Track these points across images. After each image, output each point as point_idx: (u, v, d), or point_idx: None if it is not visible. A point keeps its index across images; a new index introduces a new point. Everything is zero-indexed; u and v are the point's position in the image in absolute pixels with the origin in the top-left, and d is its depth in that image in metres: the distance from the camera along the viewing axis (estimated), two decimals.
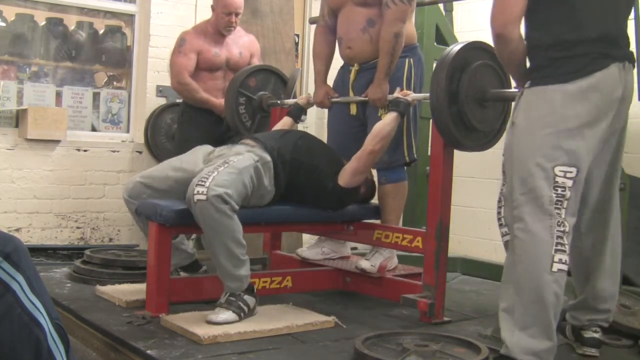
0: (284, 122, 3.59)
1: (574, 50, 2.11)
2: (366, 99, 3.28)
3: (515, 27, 2.11)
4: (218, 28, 4.07)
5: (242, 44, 4.17)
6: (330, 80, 3.60)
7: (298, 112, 3.63)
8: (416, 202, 4.27)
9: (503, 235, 2.34)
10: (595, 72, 2.11)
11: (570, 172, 2.10)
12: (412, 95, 3.15)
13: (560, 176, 2.09)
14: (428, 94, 2.83)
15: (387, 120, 3.09)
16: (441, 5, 4.51)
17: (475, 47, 2.74)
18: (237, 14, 4.04)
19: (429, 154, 3.29)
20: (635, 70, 3.41)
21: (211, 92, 4.06)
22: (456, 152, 2.92)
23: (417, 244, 3.04)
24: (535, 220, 2.09)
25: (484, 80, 2.70)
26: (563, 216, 2.09)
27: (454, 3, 4.66)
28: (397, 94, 3.16)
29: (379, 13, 3.25)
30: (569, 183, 2.10)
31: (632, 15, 3.47)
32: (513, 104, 2.68)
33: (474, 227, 4.80)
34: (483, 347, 2.27)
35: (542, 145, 2.11)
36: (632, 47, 3.45)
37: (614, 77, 2.14)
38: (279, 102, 3.82)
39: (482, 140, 2.84)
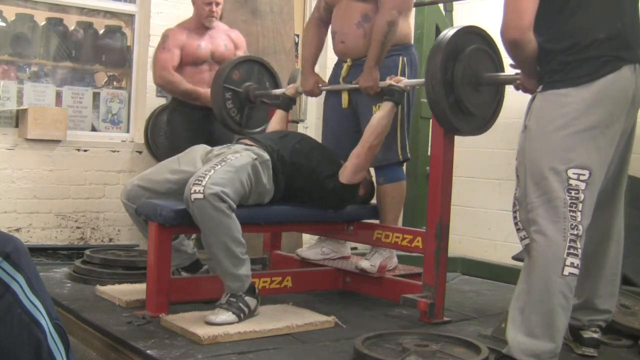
0: (278, 117, 3.58)
1: (586, 53, 2.13)
2: (357, 86, 3.25)
3: (530, 30, 2.14)
4: (200, 21, 4.04)
5: (226, 37, 4.14)
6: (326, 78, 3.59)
7: (287, 103, 3.61)
8: (416, 202, 4.27)
9: (521, 239, 2.32)
10: (607, 74, 2.12)
11: (583, 174, 2.11)
12: (404, 82, 3.10)
13: (573, 179, 2.11)
14: (422, 80, 2.82)
15: (383, 113, 3.07)
16: (441, 5, 4.52)
17: (467, 32, 2.73)
18: (217, 4, 4.01)
19: (429, 154, 3.29)
20: None
21: (198, 86, 4.01)
22: (456, 152, 2.92)
23: (417, 244, 3.04)
24: (548, 223, 2.11)
25: (478, 65, 2.69)
26: (578, 219, 2.11)
27: (454, 3, 4.66)
28: (389, 81, 3.11)
29: (375, 9, 3.23)
30: (582, 186, 2.11)
31: None
32: (507, 90, 2.71)
33: (474, 227, 4.80)
34: (483, 347, 2.27)
35: (555, 148, 2.13)
36: None
37: (625, 79, 2.16)
38: (265, 92, 3.80)
39: (478, 124, 2.84)
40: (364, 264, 3.24)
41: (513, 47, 2.16)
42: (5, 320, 1.59)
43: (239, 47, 4.18)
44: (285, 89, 3.65)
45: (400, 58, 3.28)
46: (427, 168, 3.55)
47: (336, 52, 3.46)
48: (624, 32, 2.19)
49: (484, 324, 2.89)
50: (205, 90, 3.96)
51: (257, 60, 3.96)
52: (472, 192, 4.78)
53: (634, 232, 3.51)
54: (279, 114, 3.60)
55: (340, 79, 3.40)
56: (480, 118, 2.82)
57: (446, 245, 2.89)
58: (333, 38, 3.44)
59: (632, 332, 2.70)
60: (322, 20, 3.53)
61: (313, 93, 3.54)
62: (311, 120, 5.46)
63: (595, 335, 2.45)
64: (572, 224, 2.10)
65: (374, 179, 3.40)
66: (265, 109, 3.88)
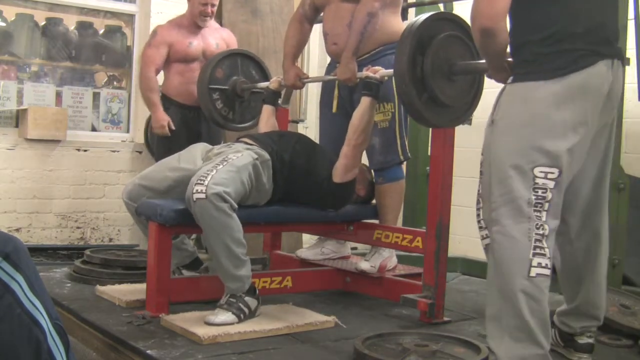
0: (266, 112, 3.55)
1: (561, 46, 2.03)
2: (335, 77, 3.23)
3: (504, 19, 2.03)
4: (193, 19, 4.03)
5: (218, 36, 4.13)
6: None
7: (273, 97, 3.58)
8: (416, 202, 4.27)
9: (482, 238, 2.24)
10: (582, 69, 2.02)
11: (552, 172, 2.01)
12: (381, 72, 3.01)
13: (540, 177, 2.01)
14: None
15: (364, 109, 3.01)
16: (441, 5, 4.51)
17: (435, 20, 2.56)
18: (213, 5, 4.02)
19: (429, 154, 3.29)
20: (635, 71, 3.42)
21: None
22: (456, 152, 2.92)
23: (417, 244, 3.04)
24: (512, 223, 2.01)
25: (449, 54, 2.51)
26: (543, 219, 2.01)
27: (454, 3, 4.66)
28: (366, 72, 3.04)
29: None
30: (551, 184, 2.01)
31: (631, 15, 3.47)
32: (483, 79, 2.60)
33: (474, 227, 4.78)
34: (483, 347, 2.27)
35: (521, 146, 2.03)
36: (632, 47, 3.48)
37: (600, 75, 2.06)
38: (251, 85, 3.79)
39: (457, 114, 2.67)
40: (364, 265, 3.23)
41: (484, 35, 2.04)
42: (5, 320, 1.59)
43: (230, 46, 4.16)
44: (269, 83, 3.62)
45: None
46: (427, 168, 3.55)
47: (329, 53, 3.44)
48: (603, 25, 2.09)
49: (484, 324, 2.87)
50: (161, 115, 3.95)
51: (239, 53, 3.92)
52: (472, 192, 4.76)
53: (634, 232, 3.52)
54: (267, 110, 3.56)
55: (336, 82, 3.38)
56: (458, 108, 2.65)
57: (446, 245, 2.89)
58: (325, 40, 3.42)
59: (632, 332, 2.69)
60: (307, 17, 3.52)
61: (295, 86, 3.51)
62: (311, 120, 5.46)
63: (591, 341, 2.38)
64: (537, 224, 2.00)
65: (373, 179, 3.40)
66: (259, 100, 3.84)
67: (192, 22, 4.04)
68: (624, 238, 3.38)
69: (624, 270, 3.41)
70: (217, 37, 4.12)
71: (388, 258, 3.33)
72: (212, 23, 4.14)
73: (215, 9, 4.06)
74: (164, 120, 3.96)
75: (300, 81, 3.47)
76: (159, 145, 4.04)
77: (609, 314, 2.74)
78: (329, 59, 3.56)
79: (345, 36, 3.24)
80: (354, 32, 3.15)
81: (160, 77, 4.15)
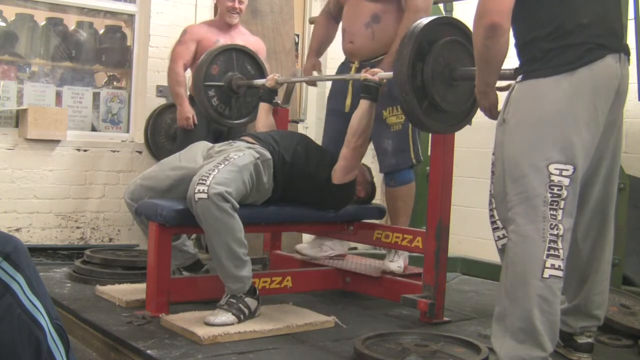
0: (263, 110, 3.53)
1: (568, 40, 2.01)
2: (345, 77, 3.29)
3: (510, 18, 2.01)
4: (223, 18, 4.14)
5: (246, 40, 4.16)
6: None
7: (269, 95, 3.57)
8: (416, 202, 4.26)
9: (498, 238, 2.22)
10: (590, 63, 2.01)
11: (567, 169, 1.99)
12: (380, 74, 2.98)
13: (555, 174, 1.99)
14: None
15: (362, 112, 2.99)
16: (441, 5, 4.51)
17: (435, 25, 2.53)
18: (240, 1, 4.10)
19: (429, 154, 3.29)
20: (635, 70, 3.42)
21: None
22: (456, 152, 2.92)
23: (417, 244, 3.04)
24: (527, 223, 2.00)
25: (449, 58, 2.50)
26: (559, 218, 1.99)
27: (454, 3, 4.66)
28: (364, 74, 3.00)
29: (385, 9, 3.22)
30: (566, 182, 1.99)
31: (631, 15, 3.47)
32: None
33: (474, 227, 4.80)
34: (483, 347, 2.27)
35: (535, 143, 2.01)
36: (632, 47, 3.47)
37: (610, 69, 2.05)
38: (247, 82, 3.79)
39: (457, 119, 2.68)
40: (392, 266, 3.24)
41: (491, 33, 1.99)
42: (5, 320, 1.59)
43: (259, 53, 4.16)
44: (265, 81, 3.60)
45: None
46: (427, 168, 3.55)
47: (345, 50, 3.43)
48: (608, 18, 2.08)
49: (484, 324, 2.89)
50: (187, 107, 4.04)
51: (233, 48, 3.90)
52: (472, 192, 4.77)
53: (634, 232, 3.52)
54: (263, 107, 3.55)
55: (350, 84, 3.36)
56: (459, 113, 2.65)
57: (446, 245, 2.89)
58: (343, 36, 3.43)
59: (632, 332, 2.70)
60: (331, 14, 3.54)
61: (312, 69, 3.57)
62: (311, 120, 5.46)
63: (591, 340, 2.38)
64: (552, 224, 1.98)
65: (382, 181, 3.39)
66: (256, 94, 3.83)
67: (222, 22, 4.16)
68: (624, 238, 3.38)
69: (624, 270, 3.41)
70: (245, 41, 4.14)
71: (405, 257, 3.34)
72: (243, 29, 4.23)
73: (243, 6, 4.15)
74: (189, 112, 4.04)
75: (316, 71, 3.57)
76: (182, 141, 4.03)
77: (609, 314, 2.74)
78: (343, 58, 3.54)
79: (362, 36, 3.26)
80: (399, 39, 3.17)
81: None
